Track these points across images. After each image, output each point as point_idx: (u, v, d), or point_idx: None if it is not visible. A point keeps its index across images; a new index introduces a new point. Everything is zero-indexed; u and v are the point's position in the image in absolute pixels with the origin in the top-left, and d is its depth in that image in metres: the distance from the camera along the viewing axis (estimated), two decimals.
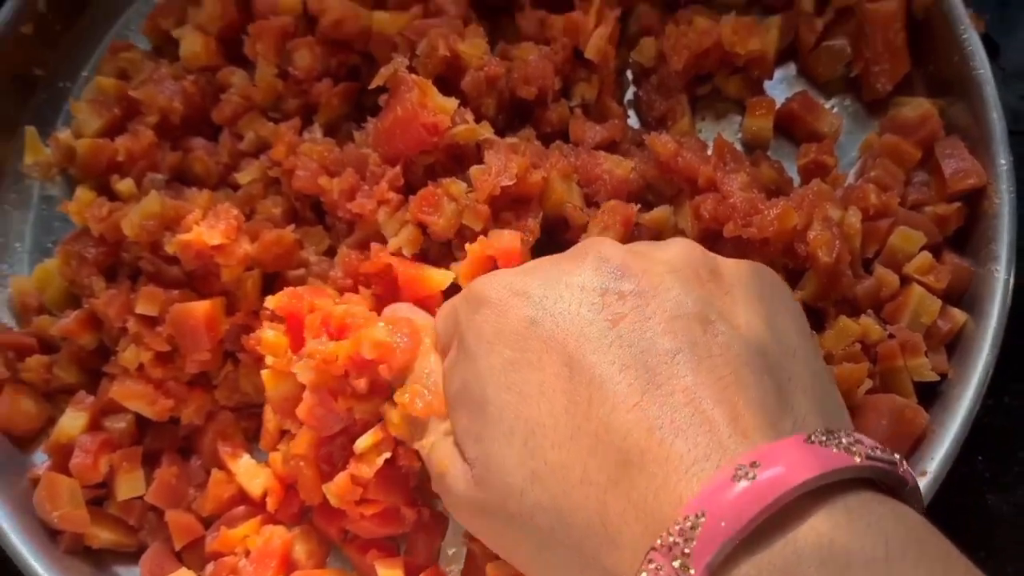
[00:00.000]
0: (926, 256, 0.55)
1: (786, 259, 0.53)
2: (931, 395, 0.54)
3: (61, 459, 0.55)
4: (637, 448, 0.35)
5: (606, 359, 0.38)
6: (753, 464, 0.33)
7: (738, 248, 0.53)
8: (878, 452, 0.35)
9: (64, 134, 0.60)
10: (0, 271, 0.62)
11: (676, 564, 0.32)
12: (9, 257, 0.62)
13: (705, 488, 0.33)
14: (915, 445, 0.52)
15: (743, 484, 0.32)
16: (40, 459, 0.58)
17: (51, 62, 0.65)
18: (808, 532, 0.32)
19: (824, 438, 0.35)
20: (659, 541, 0.33)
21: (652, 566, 0.33)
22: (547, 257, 0.45)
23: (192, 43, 0.60)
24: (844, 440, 0.35)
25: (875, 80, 0.60)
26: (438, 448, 0.44)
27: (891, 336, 0.53)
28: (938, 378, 0.53)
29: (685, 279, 0.41)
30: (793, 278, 0.54)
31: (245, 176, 0.59)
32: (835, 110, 0.63)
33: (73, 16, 0.65)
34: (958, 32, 0.58)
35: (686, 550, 0.32)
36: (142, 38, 0.65)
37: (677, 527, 0.33)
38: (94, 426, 0.56)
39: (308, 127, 0.59)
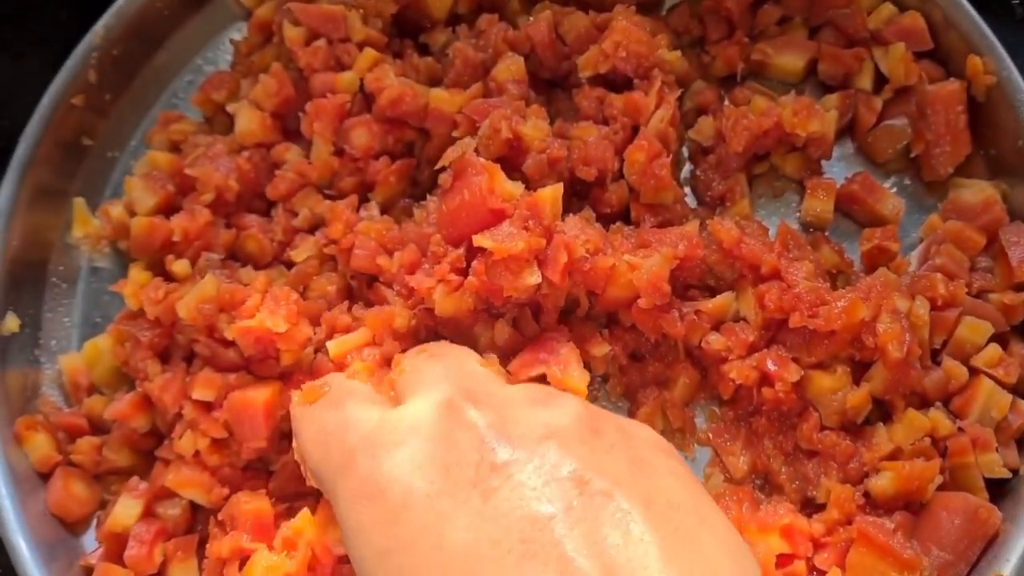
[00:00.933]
0: (995, 348, 0.54)
1: (853, 351, 0.53)
2: (1002, 490, 0.53)
3: (114, 547, 0.54)
4: None
5: (477, 536, 0.37)
6: None
7: (804, 339, 0.53)
8: None
9: (116, 208, 0.60)
10: (48, 347, 0.61)
11: None
12: (57, 332, 0.61)
13: None
14: (988, 545, 0.51)
15: None
16: (90, 542, 0.57)
17: (100, 132, 0.64)
18: None
19: None
20: None
21: None
22: (425, 425, 0.42)
23: (248, 119, 0.59)
24: None
25: (936, 162, 0.60)
26: None
27: (961, 431, 0.53)
28: (1010, 475, 0.53)
29: (564, 441, 0.40)
30: (859, 370, 0.54)
31: (300, 254, 0.58)
32: (894, 189, 0.62)
33: (122, 86, 0.64)
34: (1021, 116, 0.57)
35: None
36: (190, 108, 0.64)
37: None
38: (147, 513, 0.55)
39: (364, 204, 0.59)
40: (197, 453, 0.54)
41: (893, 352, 0.51)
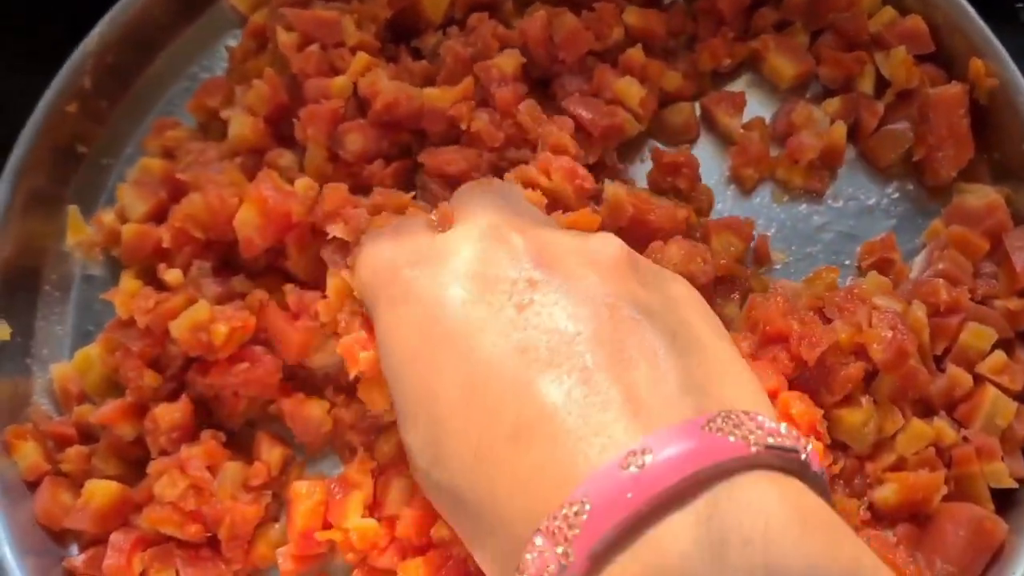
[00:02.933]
0: (999, 356, 0.53)
1: (864, 362, 0.51)
2: (1008, 500, 0.52)
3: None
4: (527, 426, 0.36)
5: (506, 342, 0.38)
6: (644, 451, 0.33)
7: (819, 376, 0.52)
8: (779, 439, 0.35)
9: (108, 216, 0.59)
10: (41, 356, 0.60)
11: (559, 550, 0.32)
12: (49, 341, 0.61)
13: (593, 474, 0.33)
14: (994, 557, 0.50)
15: (631, 472, 0.32)
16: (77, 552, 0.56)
17: (95, 139, 0.64)
18: (689, 516, 0.32)
19: (723, 424, 0.34)
20: (544, 524, 0.33)
21: (537, 549, 0.33)
22: (470, 241, 0.44)
23: (241, 125, 0.58)
24: (745, 426, 0.34)
25: (939, 166, 0.59)
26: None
27: (965, 440, 0.52)
28: (1016, 485, 0.51)
29: (600, 270, 0.41)
30: None
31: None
32: (896, 194, 0.61)
33: (118, 94, 0.64)
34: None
35: (569, 535, 0.32)
36: (186, 115, 0.64)
37: (563, 512, 0.33)
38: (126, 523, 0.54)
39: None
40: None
41: (877, 354, 0.50)
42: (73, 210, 0.61)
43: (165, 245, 0.56)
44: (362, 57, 0.58)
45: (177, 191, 0.58)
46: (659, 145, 0.62)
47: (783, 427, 0.35)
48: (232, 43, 0.65)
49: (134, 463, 0.56)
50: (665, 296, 0.42)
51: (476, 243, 0.43)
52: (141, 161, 0.60)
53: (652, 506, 0.32)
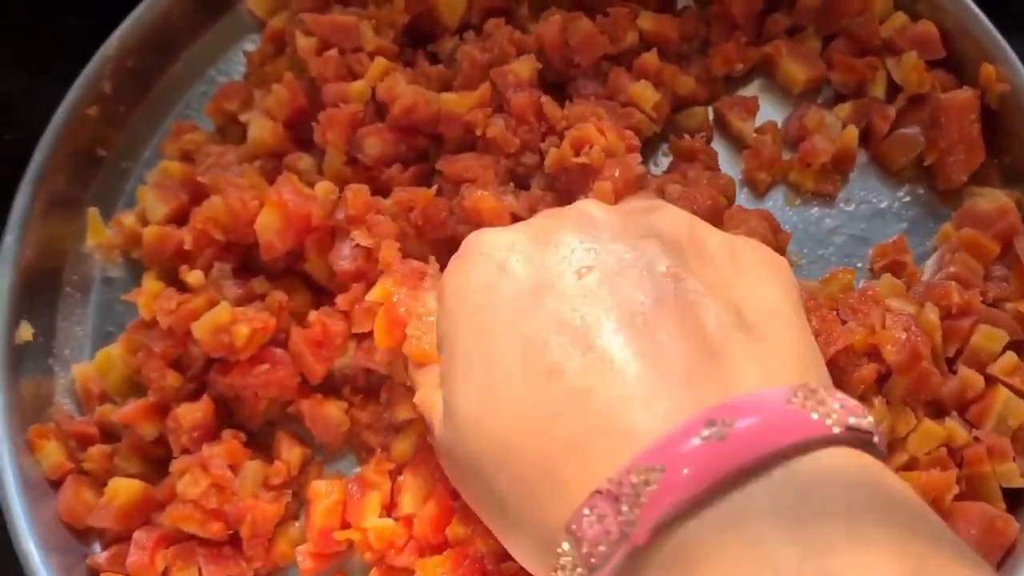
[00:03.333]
0: (1010, 357, 0.54)
1: (877, 364, 0.52)
2: (1019, 500, 0.53)
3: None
4: (586, 388, 0.35)
5: (566, 306, 0.38)
6: (723, 420, 0.31)
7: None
8: (858, 420, 0.33)
9: (128, 218, 0.60)
10: (63, 356, 0.61)
11: (622, 517, 0.30)
12: (71, 341, 0.61)
13: (667, 437, 0.31)
14: (1006, 555, 0.51)
15: (713, 440, 0.31)
16: (99, 549, 0.56)
17: (114, 143, 0.64)
18: (765, 486, 0.30)
19: (804, 400, 0.33)
20: (606, 485, 0.31)
21: (595, 512, 0.31)
22: (539, 214, 0.47)
23: (260, 129, 0.59)
24: (827, 404, 0.33)
25: (950, 170, 0.59)
26: (427, 397, 0.45)
27: (977, 440, 0.52)
28: None
29: (665, 242, 0.41)
30: None
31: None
32: (907, 198, 0.62)
33: (137, 97, 0.65)
34: None
35: (635, 503, 0.30)
36: (204, 118, 0.64)
37: (630, 478, 0.31)
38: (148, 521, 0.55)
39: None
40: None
41: (891, 355, 0.51)
42: (93, 212, 0.62)
43: (186, 247, 0.57)
44: (380, 62, 0.58)
45: (197, 194, 0.59)
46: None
47: (860, 406, 0.34)
48: (250, 47, 0.66)
49: (156, 462, 0.57)
50: (735, 268, 0.41)
51: (548, 215, 0.45)
52: (161, 164, 0.61)
53: (730, 478, 0.30)
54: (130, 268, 0.63)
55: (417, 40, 0.63)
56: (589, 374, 0.36)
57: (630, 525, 0.30)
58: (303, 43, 0.59)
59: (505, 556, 0.49)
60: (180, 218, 0.59)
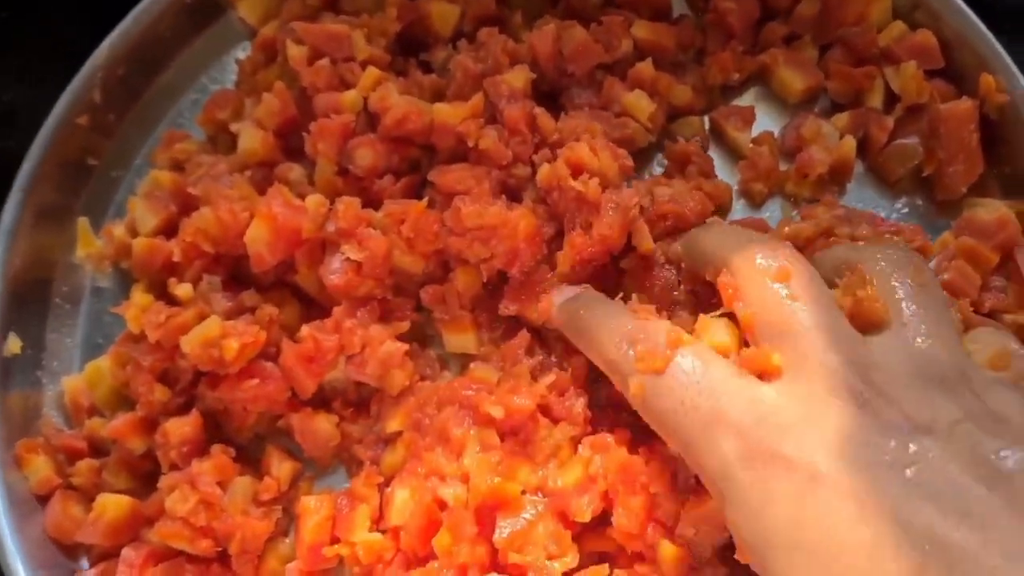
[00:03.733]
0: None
1: None
2: None
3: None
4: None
5: (936, 519, 0.36)
6: None
7: None
8: None
9: (118, 228, 0.60)
10: (51, 368, 0.60)
11: None
12: (59, 353, 0.61)
13: None
14: None
15: None
16: (87, 565, 0.56)
17: (104, 152, 0.64)
18: None
19: None
20: None
21: None
22: (825, 404, 0.40)
23: (251, 139, 0.59)
24: None
25: (949, 181, 0.59)
26: None
27: None
28: None
29: (975, 424, 0.39)
30: None
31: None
32: (905, 209, 0.61)
33: (127, 106, 0.64)
34: None
35: None
36: (195, 127, 0.64)
37: None
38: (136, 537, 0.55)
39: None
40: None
41: None
42: (83, 222, 0.62)
43: (176, 259, 0.56)
44: (372, 72, 0.58)
45: (187, 205, 0.58)
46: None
47: None
48: (241, 55, 0.65)
49: (144, 477, 0.56)
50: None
51: (832, 403, 0.40)
52: (151, 174, 0.60)
53: None
54: (120, 279, 0.62)
55: (409, 49, 0.62)
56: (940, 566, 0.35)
57: None
58: (294, 52, 0.59)
59: (490, 566, 0.49)
60: (170, 229, 0.58)
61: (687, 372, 0.43)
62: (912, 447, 0.38)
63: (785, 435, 0.39)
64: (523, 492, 0.50)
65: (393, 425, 0.55)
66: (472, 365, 0.57)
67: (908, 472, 0.37)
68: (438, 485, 0.51)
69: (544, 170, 0.54)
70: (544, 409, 0.53)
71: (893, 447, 0.38)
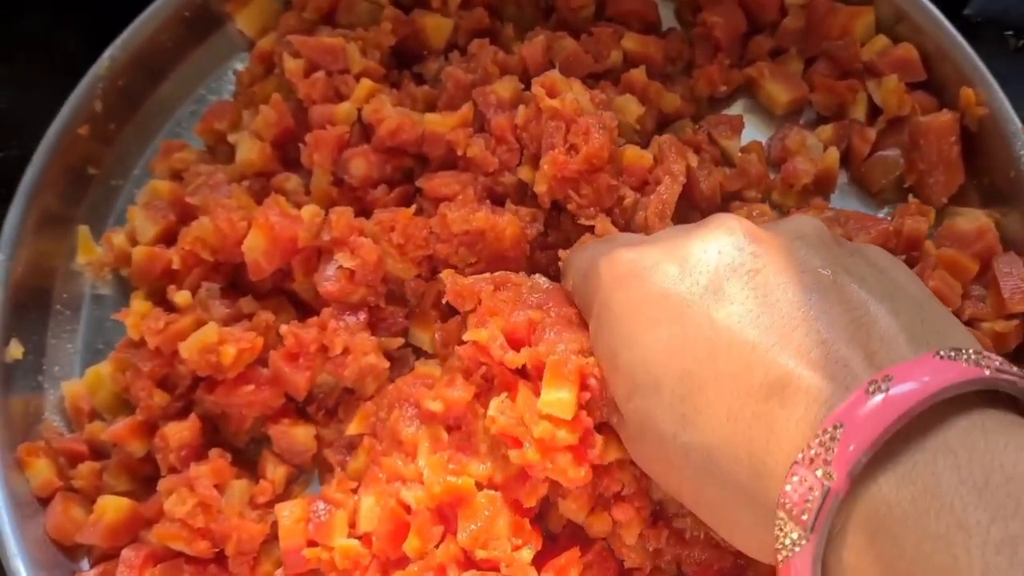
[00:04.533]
0: None
1: None
2: None
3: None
4: (778, 384, 0.38)
5: (743, 308, 0.41)
6: (886, 378, 0.35)
7: None
8: (1005, 366, 0.37)
9: (118, 236, 0.61)
10: (52, 373, 0.61)
11: (819, 473, 0.35)
12: (60, 358, 0.62)
13: (843, 404, 0.35)
14: None
15: (878, 396, 0.35)
16: (88, 567, 0.57)
17: (105, 161, 0.65)
18: (944, 448, 0.34)
19: (952, 354, 0.36)
20: (800, 456, 0.36)
21: (796, 479, 0.35)
22: (674, 229, 0.48)
23: (248, 149, 0.60)
24: (972, 355, 0.36)
25: (930, 192, 0.60)
26: None
27: None
28: None
29: (812, 243, 0.43)
30: None
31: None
32: (888, 219, 0.62)
33: (127, 116, 0.65)
34: (1015, 148, 0.58)
35: (827, 458, 0.34)
36: (193, 137, 0.65)
37: (816, 440, 0.35)
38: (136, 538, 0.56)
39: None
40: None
41: None
42: (83, 230, 0.63)
43: (174, 267, 0.58)
44: (366, 84, 0.59)
45: (186, 214, 0.59)
46: None
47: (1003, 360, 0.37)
48: (239, 67, 0.66)
49: (144, 479, 0.58)
50: (870, 263, 0.44)
51: (695, 229, 0.45)
52: (151, 184, 0.61)
53: (905, 432, 0.34)
54: (120, 286, 0.63)
55: (403, 61, 0.64)
56: (775, 375, 0.38)
57: (828, 477, 0.34)
58: (290, 65, 0.60)
59: (466, 563, 0.50)
60: (169, 238, 0.60)
61: None
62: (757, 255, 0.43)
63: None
64: (477, 486, 0.51)
65: (352, 428, 0.56)
66: (417, 362, 0.58)
67: (752, 277, 0.42)
68: (400, 489, 0.52)
69: (521, 111, 0.56)
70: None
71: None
